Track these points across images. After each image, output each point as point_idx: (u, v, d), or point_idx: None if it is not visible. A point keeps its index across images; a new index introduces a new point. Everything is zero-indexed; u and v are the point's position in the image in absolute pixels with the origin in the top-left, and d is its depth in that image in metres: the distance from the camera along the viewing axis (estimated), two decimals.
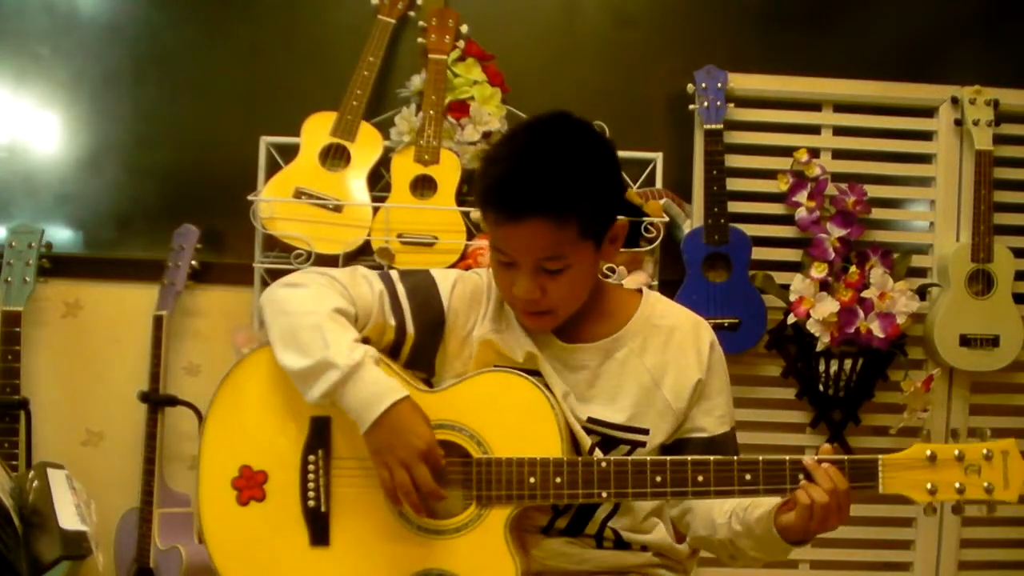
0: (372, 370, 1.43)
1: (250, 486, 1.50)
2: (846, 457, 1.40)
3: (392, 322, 1.53)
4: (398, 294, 1.54)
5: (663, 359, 1.55)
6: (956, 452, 1.39)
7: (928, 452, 1.39)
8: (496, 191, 1.42)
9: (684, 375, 1.55)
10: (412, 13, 2.60)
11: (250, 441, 1.51)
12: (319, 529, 1.48)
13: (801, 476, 1.39)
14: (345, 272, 1.56)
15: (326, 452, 1.48)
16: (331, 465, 1.48)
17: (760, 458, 1.42)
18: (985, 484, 1.38)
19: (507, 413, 1.47)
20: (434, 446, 1.42)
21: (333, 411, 1.47)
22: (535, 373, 1.51)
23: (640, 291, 1.62)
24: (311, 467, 1.49)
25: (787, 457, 1.41)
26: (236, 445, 1.52)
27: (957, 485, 1.38)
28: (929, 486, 1.39)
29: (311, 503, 1.49)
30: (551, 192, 1.38)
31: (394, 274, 1.58)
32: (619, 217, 1.50)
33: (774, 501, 1.43)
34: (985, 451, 1.38)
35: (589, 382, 1.54)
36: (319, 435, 1.49)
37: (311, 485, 1.49)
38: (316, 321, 1.45)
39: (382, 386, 1.42)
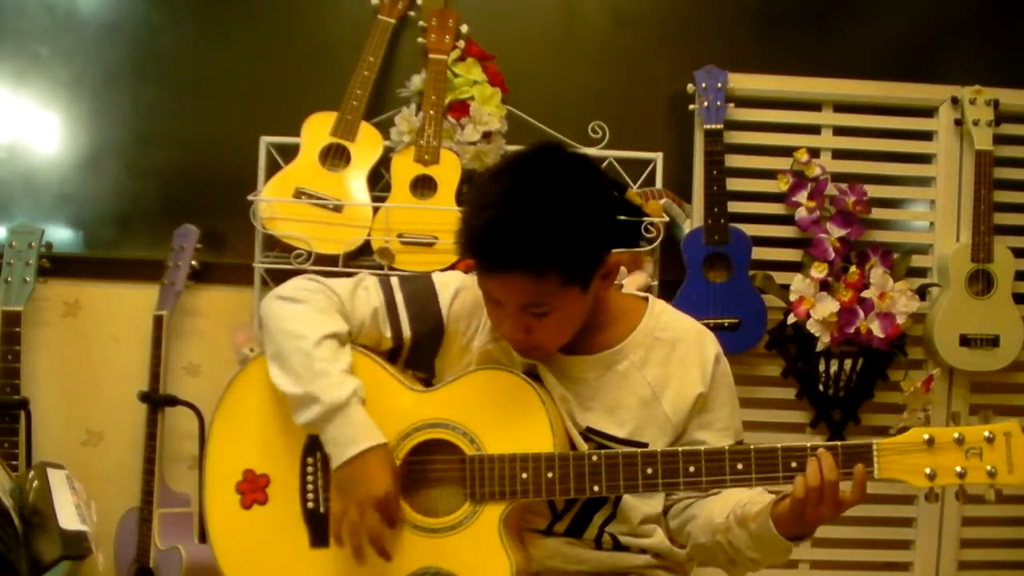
0: (355, 411, 1.44)
1: (253, 489, 1.51)
2: (839, 443, 1.38)
3: (388, 334, 1.54)
4: (396, 303, 1.54)
5: (665, 372, 1.55)
6: (956, 435, 1.33)
7: (926, 436, 1.34)
8: (475, 243, 1.38)
9: (685, 389, 1.54)
10: (412, 13, 2.60)
11: (253, 445, 1.53)
12: (318, 530, 1.49)
13: (794, 463, 1.37)
14: (347, 284, 1.55)
15: (324, 454, 1.48)
16: (329, 467, 1.48)
17: (752, 447, 1.42)
18: (988, 468, 1.31)
19: (499, 410, 1.47)
20: (392, 497, 1.43)
21: None
22: (535, 378, 1.51)
23: (646, 299, 1.61)
24: (310, 469, 1.50)
25: (779, 445, 1.40)
26: (239, 449, 1.53)
27: (958, 469, 1.32)
28: (928, 471, 1.33)
29: (310, 504, 1.50)
30: (528, 249, 1.33)
31: (395, 281, 1.58)
32: (613, 250, 1.45)
33: (771, 499, 1.42)
34: (987, 433, 1.32)
35: (589, 394, 1.53)
36: (318, 437, 1.49)
37: (310, 487, 1.50)
38: (307, 348, 1.46)
39: (360, 430, 1.44)
